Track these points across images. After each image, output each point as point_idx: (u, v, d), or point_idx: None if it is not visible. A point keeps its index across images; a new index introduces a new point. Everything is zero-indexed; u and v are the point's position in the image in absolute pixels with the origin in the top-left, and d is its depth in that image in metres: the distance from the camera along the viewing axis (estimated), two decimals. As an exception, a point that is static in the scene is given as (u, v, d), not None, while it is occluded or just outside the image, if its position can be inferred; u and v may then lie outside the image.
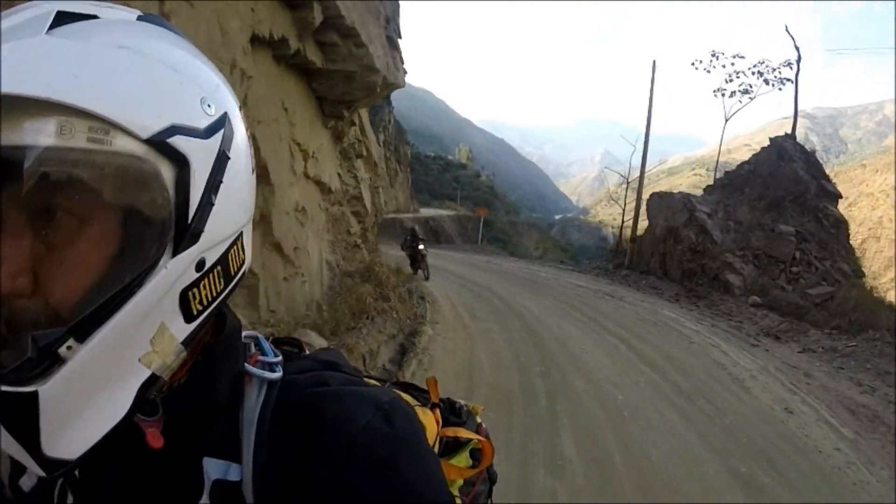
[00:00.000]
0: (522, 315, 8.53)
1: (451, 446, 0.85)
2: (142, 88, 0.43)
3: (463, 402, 0.94)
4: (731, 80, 21.35)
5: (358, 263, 7.40)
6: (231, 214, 0.51)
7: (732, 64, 21.24)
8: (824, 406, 5.78)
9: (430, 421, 0.78)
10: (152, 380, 0.46)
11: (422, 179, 57.81)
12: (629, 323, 8.65)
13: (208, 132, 0.47)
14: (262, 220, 4.66)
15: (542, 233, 59.40)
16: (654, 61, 18.00)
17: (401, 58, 7.49)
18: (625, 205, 19.56)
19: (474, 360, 6.11)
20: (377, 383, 0.73)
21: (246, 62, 4.20)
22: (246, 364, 0.54)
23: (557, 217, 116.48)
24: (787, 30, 19.02)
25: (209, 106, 0.48)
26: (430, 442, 0.76)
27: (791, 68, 19.76)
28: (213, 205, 0.47)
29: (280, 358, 0.56)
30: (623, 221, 19.12)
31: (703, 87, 26.40)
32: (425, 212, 36.67)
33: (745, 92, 21.29)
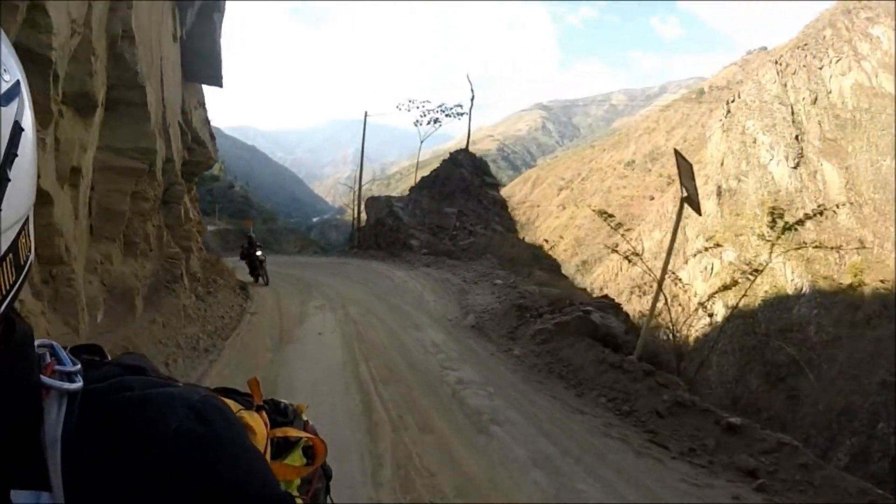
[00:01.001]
0: (296, 276, 15.87)
1: (283, 446, 0.85)
2: None
3: (287, 402, 0.95)
4: (424, 115, 31.82)
5: (205, 255, 14.09)
6: (23, 193, 0.45)
7: (422, 105, 31.70)
8: (422, 280, 14.46)
9: (258, 424, 0.78)
10: None
11: (174, 196, 57.60)
12: (351, 272, 16.82)
13: (5, 99, 0.43)
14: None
15: (301, 236, 65.03)
16: (366, 112, 26.89)
17: (215, 141, 14.37)
18: (352, 207, 28.55)
19: (279, 292, 13.42)
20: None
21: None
22: (42, 375, 0.48)
23: (315, 220, 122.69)
24: (467, 77, 29.04)
25: (5, 71, 0.44)
26: (262, 445, 0.76)
27: (462, 107, 30.80)
28: (9, 180, 0.42)
29: (79, 366, 0.52)
30: (353, 218, 28.02)
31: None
32: (185, 229, 38.70)
33: (436, 121, 31.94)
